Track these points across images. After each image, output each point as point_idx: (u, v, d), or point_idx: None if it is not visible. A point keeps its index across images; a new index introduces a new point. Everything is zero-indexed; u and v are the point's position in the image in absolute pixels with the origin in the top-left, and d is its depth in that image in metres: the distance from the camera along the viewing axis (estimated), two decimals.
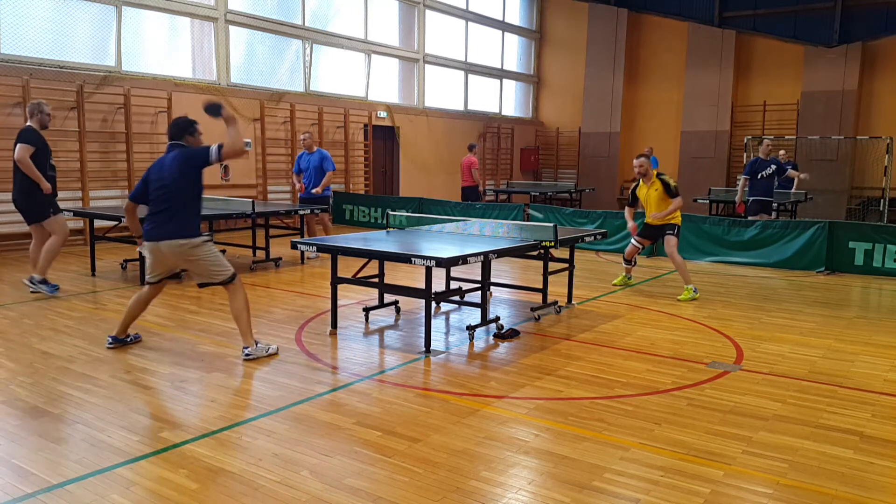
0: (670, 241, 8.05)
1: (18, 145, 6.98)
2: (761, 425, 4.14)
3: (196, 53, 13.45)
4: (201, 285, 5.46)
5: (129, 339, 5.64)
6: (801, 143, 18.16)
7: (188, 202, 5.22)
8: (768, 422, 4.20)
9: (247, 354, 5.26)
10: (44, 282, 7.36)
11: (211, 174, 14.16)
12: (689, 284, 7.98)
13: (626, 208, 8.53)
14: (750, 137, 18.10)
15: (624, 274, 8.83)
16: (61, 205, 7.77)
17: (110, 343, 5.53)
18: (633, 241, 8.46)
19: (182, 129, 5.39)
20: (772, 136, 18.19)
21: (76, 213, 9.16)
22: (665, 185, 7.99)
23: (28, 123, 7.20)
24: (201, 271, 5.33)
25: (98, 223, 9.94)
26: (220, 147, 5.12)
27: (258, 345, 5.35)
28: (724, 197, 15.34)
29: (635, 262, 8.80)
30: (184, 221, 5.19)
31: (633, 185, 8.35)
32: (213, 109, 5.19)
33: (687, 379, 5.01)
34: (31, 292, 7.32)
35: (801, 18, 18.30)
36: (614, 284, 8.75)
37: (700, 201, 15.45)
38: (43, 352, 5.41)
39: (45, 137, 7.25)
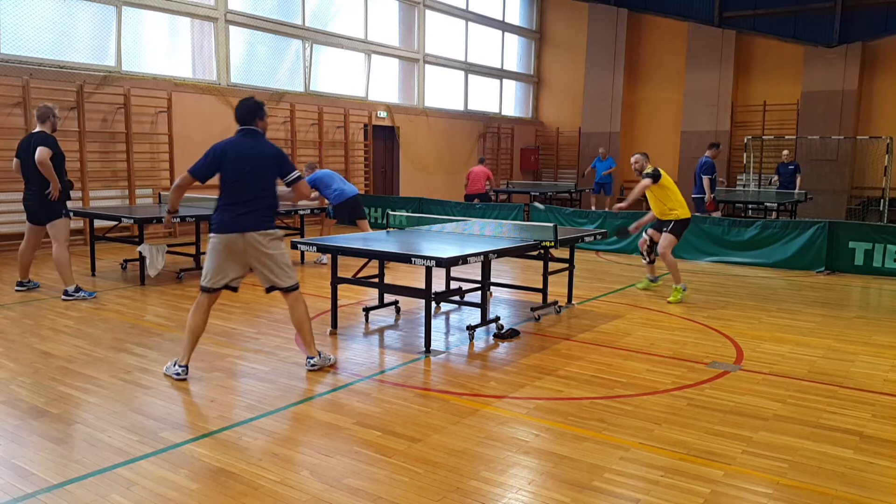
0: (664, 239, 7.86)
1: (39, 148, 7.03)
2: (761, 425, 4.14)
3: (196, 53, 13.45)
4: (268, 290, 4.99)
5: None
6: (801, 143, 18.16)
7: (270, 194, 4.96)
8: (768, 422, 4.20)
9: (311, 365, 5.06)
10: (78, 289, 7.37)
11: None
12: (679, 284, 7.82)
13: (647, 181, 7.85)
14: (750, 137, 18.11)
15: (647, 276, 8.51)
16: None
17: (178, 373, 4.86)
18: (644, 233, 8.36)
19: (252, 111, 5.10)
20: (772, 136, 18.23)
21: (76, 213, 9.14)
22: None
23: (39, 128, 7.22)
24: (272, 270, 4.88)
25: (98, 223, 9.94)
26: (297, 179, 5.02)
27: (321, 355, 5.14)
28: (724, 197, 15.33)
29: (654, 258, 8.33)
30: (266, 213, 4.90)
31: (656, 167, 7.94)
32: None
33: (687, 379, 5.01)
34: (65, 300, 7.26)
35: (801, 18, 18.29)
36: (638, 289, 8.44)
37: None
38: (43, 352, 5.41)
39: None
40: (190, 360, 4.91)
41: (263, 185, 4.91)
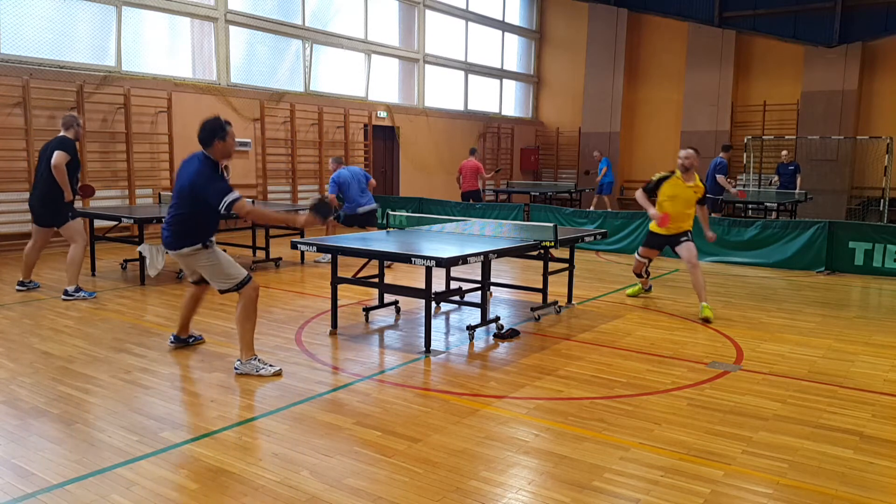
0: (692, 248, 7.21)
1: (57, 152, 7.16)
2: (761, 425, 4.14)
3: (196, 53, 13.45)
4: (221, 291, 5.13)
5: (191, 340, 5.63)
6: (801, 143, 18.16)
7: (186, 215, 4.98)
8: (768, 422, 4.20)
9: (235, 368, 4.97)
10: (78, 289, 7.39)
11: None
12: (705, 302, 6.99)
13: (642, 192, 7.32)
14: (750, 137, 18.11)
15: (639, 286, 8.01)
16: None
17: (172, 341, 5.55)
18: (637, 256, 7.75)
19: (211, 133, 4.95)
20: (772, 136, 18.24)
21: (76, 213, 9.14)
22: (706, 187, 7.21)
23: (63, 134, 7.37)
24: (209, 278, 5.11)
25: (98, 223, 9.94)
26: (234, 202, 4.80)
27: (255, 360, 4.96)
28: (724, 197, 15.32)
29: (649, 274, 8.02)
30: (180, 233, 4.97)
31: (664, 175, 7.26)
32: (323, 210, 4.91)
33: (687, 379, 5.01)
34: (65, 300, 7.28)
35: (801, 18, 18.29)
36: (628, 295, 8.00)
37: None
38: (43, 352, 5.41)
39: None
40: (184, 334, 5.60)
41: (182, 207, 4.96)
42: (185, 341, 5.59)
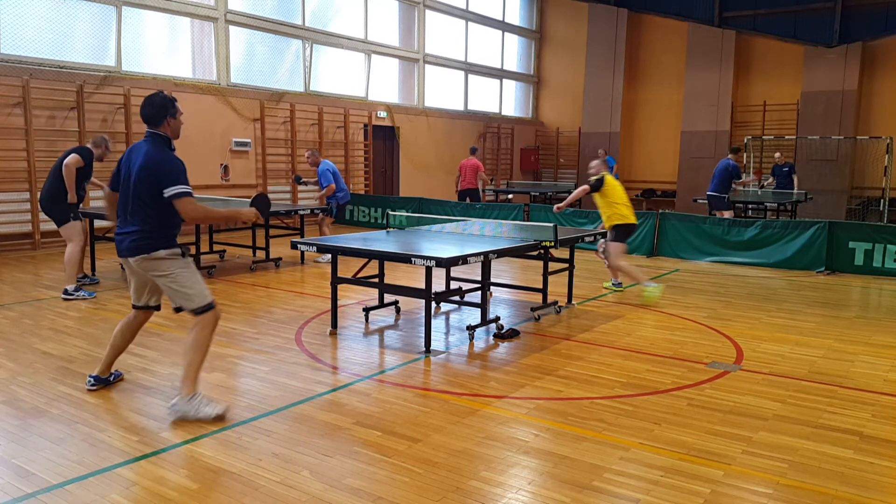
0: (610, 248, 7.93)
1: (72, 154, 7.43)
2: (761, 425, 4.14)
3: (196, 53, 13.45)
4: (175, 310, 4.40)
5: (112, 378, 4.68)
6: (801, 143, 18.16)
7: (152, 211, 4.16)
8: (768, 422, 4.20)
9: (172, 405, 4.15)
10: (79, 289, 7.41)
11: (211, 174, 14.20)
12: (646, 283, 7.63)
13: (584, 189, 8.06)
14: (750, 137, 18.11)
15: (612, 279, 8.49)
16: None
17: (91, 384, 4.57)
18: (614, 253, 8.06)
19: (160, 110, 4.20)
20: (772, 136, 18.24)
21: (78, 216, 9.14)
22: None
23: (89, 145, 7.71)
24: (169, 293, 4.27)
25: (98, 223, 9.94)
26: (180, 195, 4.06)
27: (196, 398, 4.12)
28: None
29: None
30: (144, 236, 4.16)
31: (599, 177, 7.95)
32: (262, 204, 4.50)
33: (687, 379, 5.01)
34: (66, 299, 7.28)
35: (801, 18, 18.29)
36: (604, 287, 8.52)
37: (700, 202, 15.45)
38: (43, 352, 5.41)
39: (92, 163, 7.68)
40: (105, 373, 4.63)
41: (140, 202, 4.13)
42: (106, 381, 4.62)
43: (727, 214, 11.96)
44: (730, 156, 12.22)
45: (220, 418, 4.08)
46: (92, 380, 4.59)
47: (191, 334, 4.20)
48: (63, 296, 7.32)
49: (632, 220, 7.93)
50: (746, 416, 4.30)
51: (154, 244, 4.16)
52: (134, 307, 4.51)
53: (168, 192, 4.05)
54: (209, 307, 4.22)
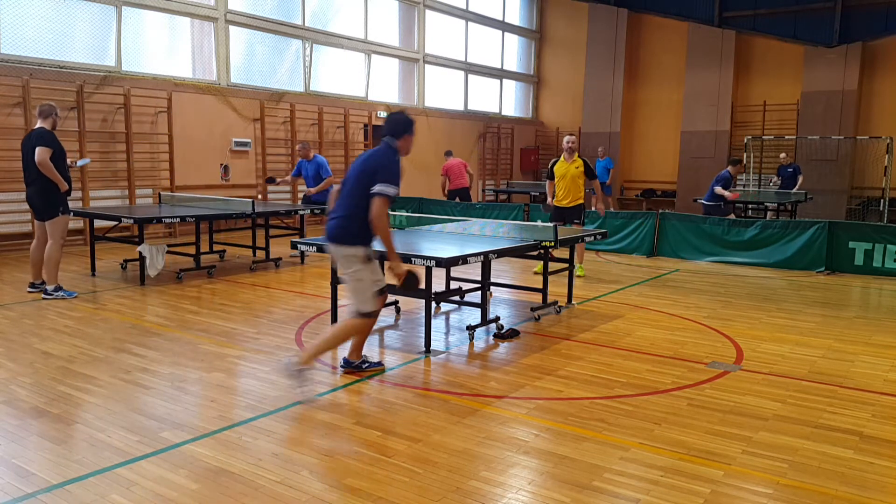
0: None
1: (38, 148, 7.05)
2: (761, 425, 4.14)
3: (196, 53, 13.45)
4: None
5: (363, 366, 5.03)
6: (801, 143, 18.16)
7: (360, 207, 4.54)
8: (768, 422, 4.20)
9: (286, 360, 4.67)
10: (58, 289, 7.36)
11: (211, 174, 14.21)
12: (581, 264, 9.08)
13: (548, 182, 9.25)
14: (750, 137, 18.10)
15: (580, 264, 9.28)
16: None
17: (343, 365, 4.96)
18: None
19: (402, 127, 4.72)
20: (772, 136, 18.24)
21: (76, 213, 9.14)
22: (586, 164, 8.94)
23: (40, 125, 7.24)
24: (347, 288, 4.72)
25: (98, 223, 9.94)
26: (381, 195, 4.44)
27: (303, 371, 4.53)
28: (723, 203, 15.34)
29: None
30: (348, 226, 4.59)
31: (554, 161, 9.15)
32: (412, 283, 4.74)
33: (687, 379, 5.01)
34: (45, 299, 7.26)
35: (801, 18, 18.29)
36: (577, 275, 8.83)
37: (700, 201, 15.46)
38: (43, 352, 5.41)
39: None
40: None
41: (355, 193, 4.56)
42: (358, 367, 5.01)
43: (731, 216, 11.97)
44: (728, 167, 12.13)
45: (380, 366, 4.81)
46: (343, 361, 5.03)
47: (340, 323, 4.72)
48: (43, 296, 7.26)
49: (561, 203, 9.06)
50: (746, 416, 4.30)
51: (355, 238, 4.60)
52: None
53: (375, 188, 4.46)
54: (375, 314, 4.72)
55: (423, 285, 4.85)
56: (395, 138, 4.70)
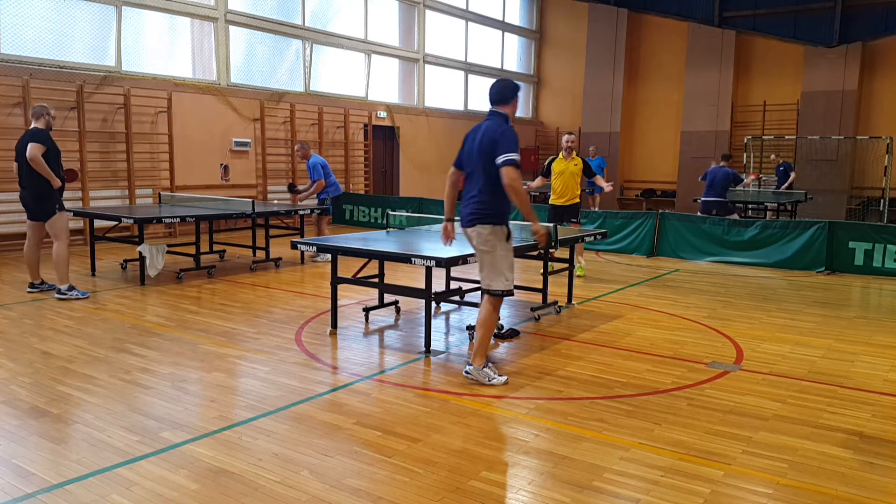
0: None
1: (30, 144, 7.02)
2: (761, 425, 4.14)
3: (196, 53, 13.45)
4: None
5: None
6: (801, 143, 18.16)
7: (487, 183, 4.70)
8: (768, 422, 4.20)
9: (466, 372, 4.89)
10: (72, 288, 7.35)
11: (211, 174, 14.18)
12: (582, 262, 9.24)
13: (540, 178, 9.27)
14: (750, 137, 18.11)
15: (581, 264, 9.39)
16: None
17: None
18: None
19: (509, 91, 4.80)
20: (772, 136, 18.24)
21: (76, 213, 9.15)
22: (585, 163, 9.09)
23: (34, 125, 7.23)
24: (482, 267, 4.86)
25: (98, 223, 9.95)
26: (508, 162, 4.51)
27: (485, 369, 4.81)
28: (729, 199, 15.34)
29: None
30: (478, 206, 4.75)
31: (551, 157, 9.31)
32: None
33: (687, 379, 5.01)
34: (58, 299, 7.25)
35: (801, 18, 18.29)
36: (578, 275, 9.00)
37: (714, 199, 15.43)
38: (43, 352, 5.41)
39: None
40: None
41: (481, 174, 4.70)
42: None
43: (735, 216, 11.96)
44: (723, 163, 12.12)
45: (504, 384, 4.76)
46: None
47: (480, 313, 4.90)
48: (56, 296, 7.29)
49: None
50: (746, 416, 4.30)
51: (493, 217, 4.75)
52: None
53: (499, 159, 4.54)
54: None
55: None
56: (503, 105, 4.80)
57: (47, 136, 7.17)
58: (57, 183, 7.21)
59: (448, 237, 5.19)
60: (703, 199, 11.97)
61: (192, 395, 4.55)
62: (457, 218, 5.11)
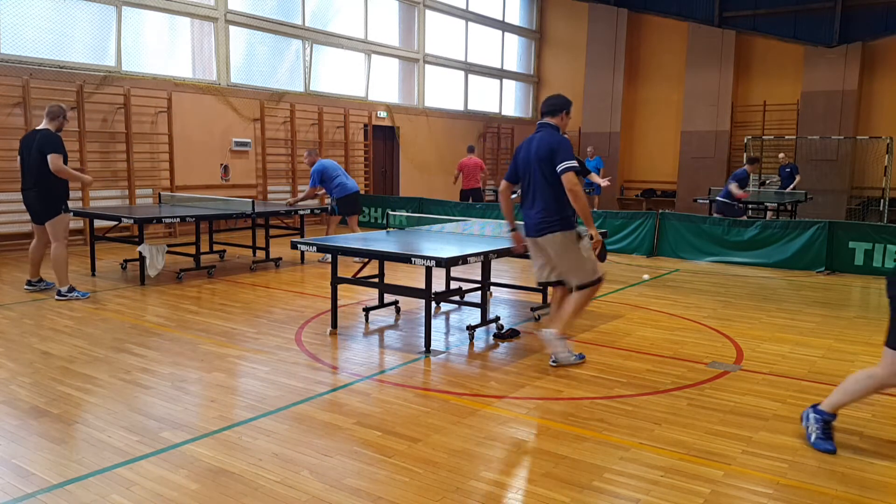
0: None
1: (50, 155, 7.00)
2: (761, 425, 4.14)
3: (196, 53, 13.45)
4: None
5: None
6: (801, 143, 18.16)
7: (548, 194, 5.03)
8: (768, 422, 4.20)
9: (544, 332, 5.24)
10: (72, 289, 7.35)
11: (211, 174, 14.18)
12: None
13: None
14: (750, 137, 18.11)
15: None
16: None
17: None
18: None
19: (561, 105, 5.18)
20: (772, 136, 18.24)
21: (76, 213, 9.14)
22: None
23: (45, 126, 7.20)
24: (564, 270, 5.19)
25: (98, 223, 9.95)
26: (569, 169, 4.86)
27: (562, 340, 5.16)
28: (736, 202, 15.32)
29: None
30: (547, 216, 5.07)
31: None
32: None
33: (687, 379, 5.01)
34: (58, 300, 7.24)
35: (801, 18, 18.29)
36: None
37: (700, 201, 15.45)
38: (43, 352, 5.41)
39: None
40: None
41: (541, 184, 5.02)
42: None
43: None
44: (746, 165, 12.19)
45: (582, 360, 5.17)
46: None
47: (573, 297, 5.13)
48: (56, 297, 7.28)
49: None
50: (746, 416, 4.30)
51: (561, 224, 5.05)
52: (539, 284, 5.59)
53: (560, 166, 4.87)
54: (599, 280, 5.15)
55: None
56: (554, 116, 5.14)
57: (60, 142, 7.16)
58: (89, 180, 7.44)
59: (520, 242, 5.52)
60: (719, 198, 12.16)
61: (192, 395, 4.55)
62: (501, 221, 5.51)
